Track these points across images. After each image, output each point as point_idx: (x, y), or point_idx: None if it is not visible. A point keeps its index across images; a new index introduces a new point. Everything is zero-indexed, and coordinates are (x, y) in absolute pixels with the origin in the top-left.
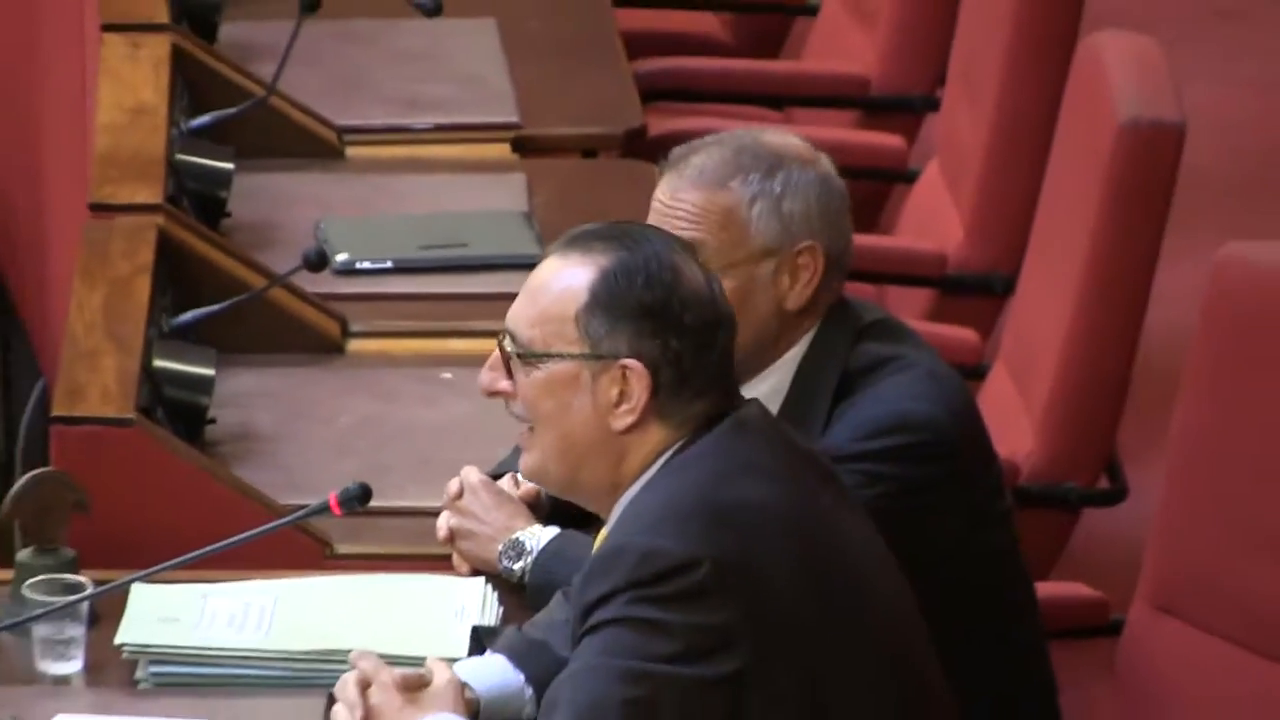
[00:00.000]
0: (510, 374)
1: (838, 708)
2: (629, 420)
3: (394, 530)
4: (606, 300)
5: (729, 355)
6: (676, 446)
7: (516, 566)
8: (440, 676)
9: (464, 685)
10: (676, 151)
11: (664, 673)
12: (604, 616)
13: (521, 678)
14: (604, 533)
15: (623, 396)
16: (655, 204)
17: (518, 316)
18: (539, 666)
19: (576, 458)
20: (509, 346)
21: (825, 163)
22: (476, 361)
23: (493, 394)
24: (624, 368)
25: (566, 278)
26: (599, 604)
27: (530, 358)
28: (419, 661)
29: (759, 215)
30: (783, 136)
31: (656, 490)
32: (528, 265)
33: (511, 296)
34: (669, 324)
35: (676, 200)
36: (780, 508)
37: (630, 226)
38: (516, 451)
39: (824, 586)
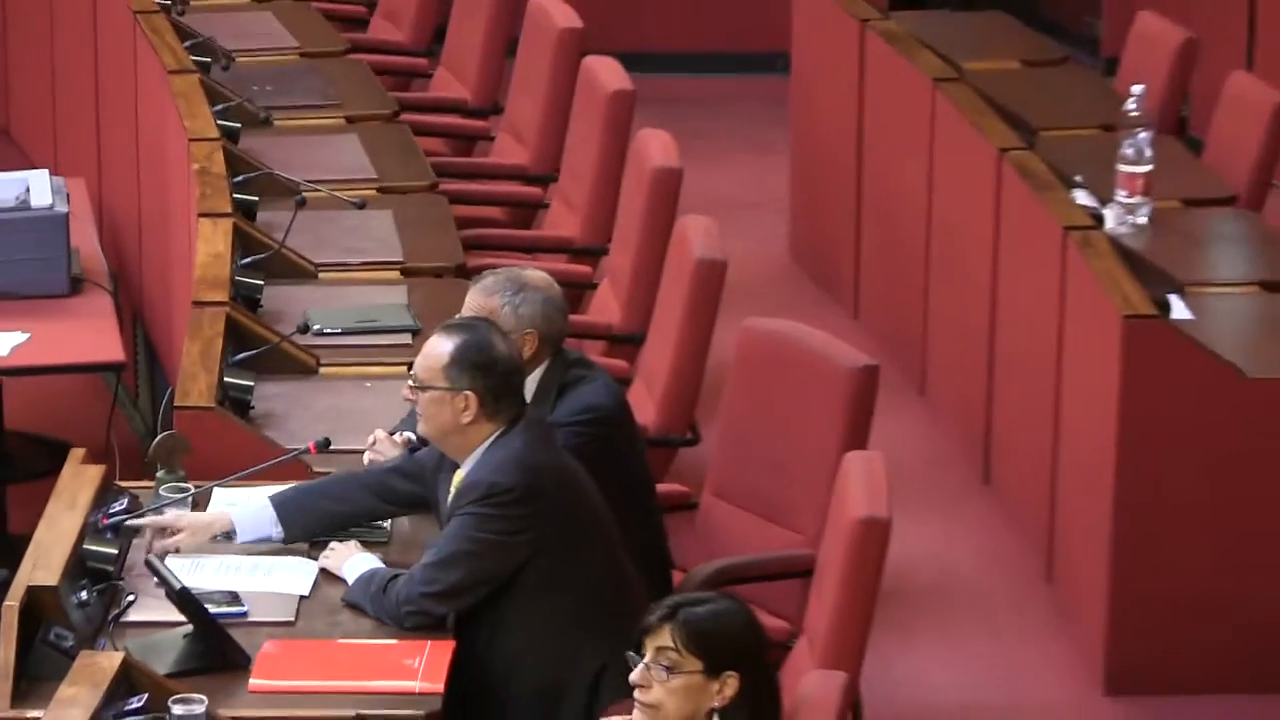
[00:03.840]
0: (414, 393)
1: (577, 559)
2: (468, 419)
3: (341, 460)
4: (457, 360)
5: (521, 385)
6: (500, 431)
7: None
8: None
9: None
10: (478, 276)
11: (489, 539)
12: (463, 511)
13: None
14: (460, 473)
15: (465, 408)
16: (466, 301)
17: (417, 365)
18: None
19: (444, 434)
20: (412, 381)
21: (553, 289)
22: (385, 378)
23: (409, 400)
24: (465, 395)
25: (440, 347)
26: (463, 506)
27: (421, 387)
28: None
29: (505, 314)
30: (537, 273)
31: (492, 453)
32: (408, 331)
33: (400, 348)
34: (488, 372)
35: (471, 299)
36: (550, 461)
37: (473, 321)
38: (402, 422)
39: (570, 500)
